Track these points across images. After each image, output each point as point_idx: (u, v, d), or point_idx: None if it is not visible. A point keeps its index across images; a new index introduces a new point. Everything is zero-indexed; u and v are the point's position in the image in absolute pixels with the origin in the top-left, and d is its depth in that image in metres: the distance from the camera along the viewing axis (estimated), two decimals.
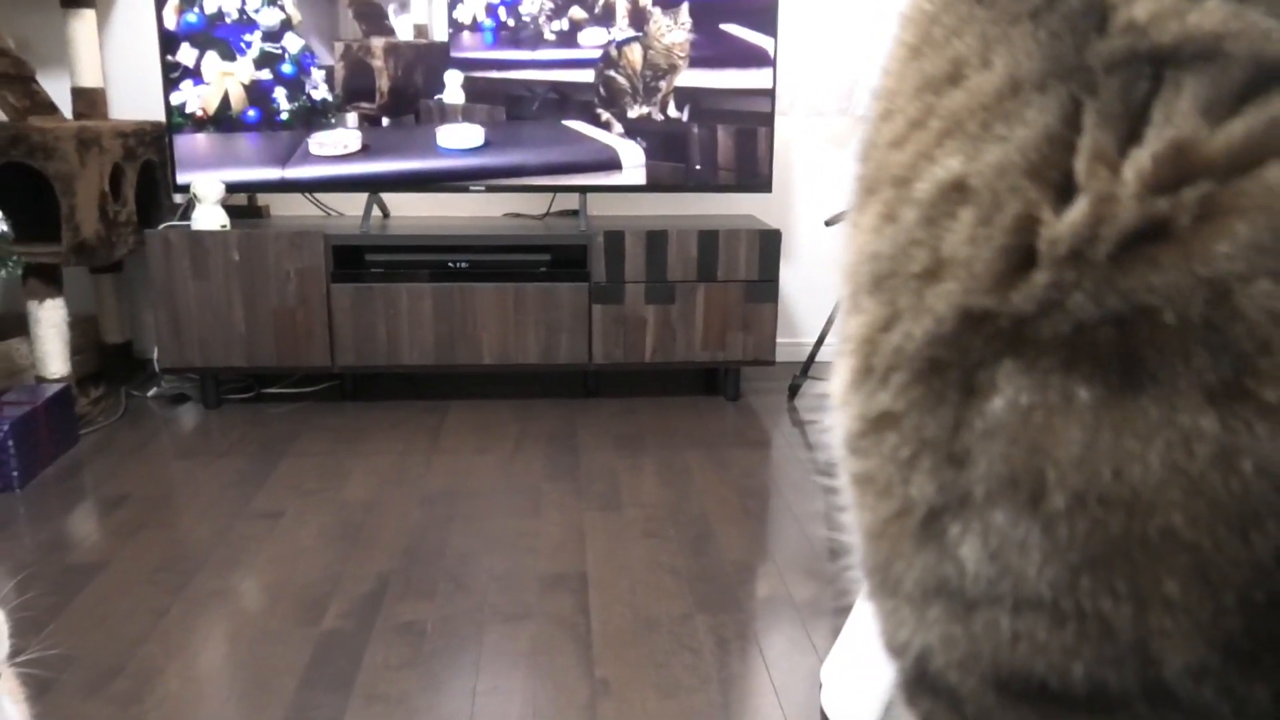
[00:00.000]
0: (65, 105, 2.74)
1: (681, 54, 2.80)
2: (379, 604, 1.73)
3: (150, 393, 2.85)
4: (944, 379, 0.37)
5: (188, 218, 2.71)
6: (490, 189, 2.85)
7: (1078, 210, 0.34)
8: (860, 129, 0.45)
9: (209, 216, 2.66)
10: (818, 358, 2.92)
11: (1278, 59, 0.34)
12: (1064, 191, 0.35)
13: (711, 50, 2.80)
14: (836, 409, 0.43)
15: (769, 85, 2.82)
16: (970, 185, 0.37)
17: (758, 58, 2.81)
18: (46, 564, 1.86)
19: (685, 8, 2.77)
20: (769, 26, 2.79)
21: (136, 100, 2.89)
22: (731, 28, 2.80)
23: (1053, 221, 0.35)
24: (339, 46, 2.73)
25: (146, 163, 2.75)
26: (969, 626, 0.38)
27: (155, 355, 2.75)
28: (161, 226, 2.69)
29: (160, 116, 2.77)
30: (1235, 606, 0.33)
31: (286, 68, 2.72)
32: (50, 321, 2.52)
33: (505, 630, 1.66)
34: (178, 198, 2.82)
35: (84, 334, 2.76)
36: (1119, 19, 0.36)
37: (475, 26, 2.75)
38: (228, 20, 2.67)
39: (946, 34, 0.40)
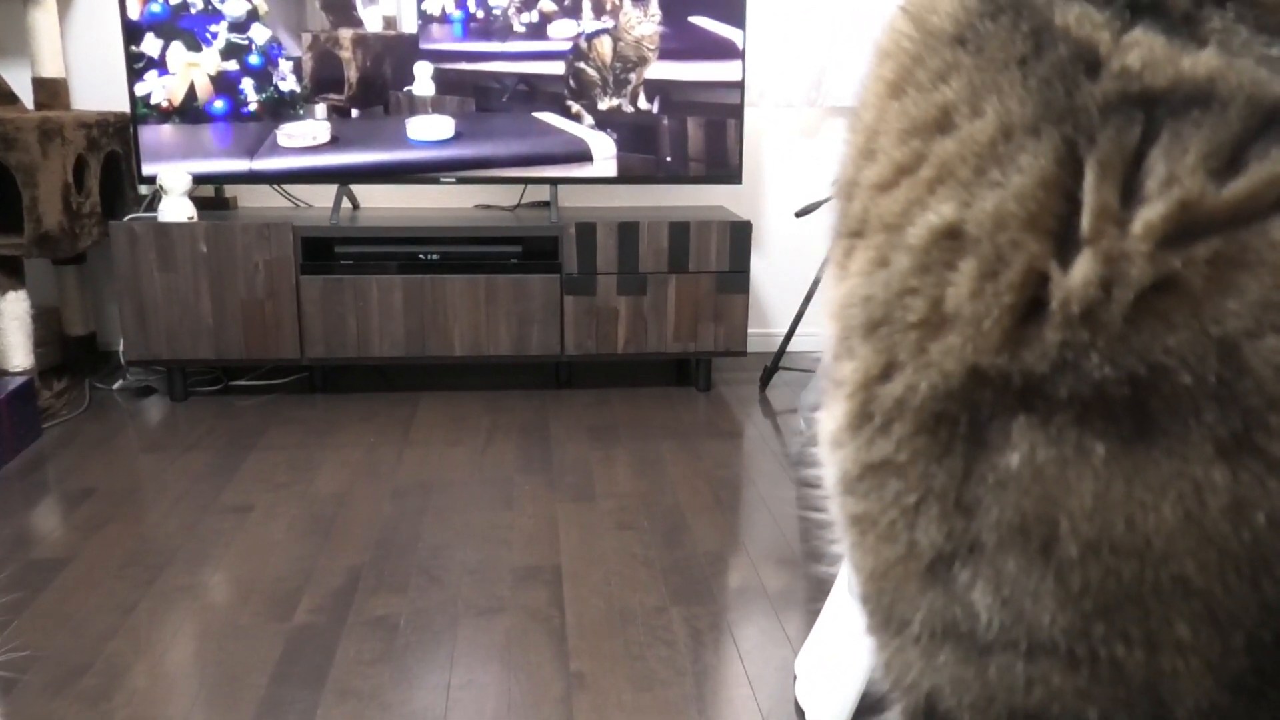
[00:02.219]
0: (26, 95, 2.70)
1: (651, 46, 2.80)
2: (351, 598, 1.73)
3: (116, 385, 2.81)
4: (951, 431, 0.38)
5: (154, 209, 2.68)
6: (461, 180, 2.84)
7: (1088, 268, 0.35)
8: (838, 164, 0.46)
9: (175, 208, 2.63)
10: (788, 348, 2.93)
11: (1274, 105, 0.34)
12: (1066, 243, 0.36)
13: (681, 42, 2.80)
14: (829, 450, 0.43)
15: (738, 77, 2.83)
16: (967, 233, 0.37)
17: (727, 50, 2.81)
18: (10, 560, 1.84)
19: (655, 0, 2.76)
20: (737, 18, 2.79)
21: (100, 91, 2.85)
22: (700, 20, 2.80)
23: (1061, 278, 0.35)
24: (306, 37, 2.70)
25: (111, 154, 2.71)
26: (982, 671, 0.38)
27: (121, 347, 2.71)
28: (127, 218, 2.65)
29: (125, 107, 2.73)
30: (1244, 647, 0.34)
31: (253, 59, 2.69)
32: (12, 314, 2.48)
33: (479, 624, 1.66)
34: (143, 189, 2.79)
35: (46, 326, 2.72)
36: (1112, 65, 0.37)
37: (444, 18, 2.73)
38: (193, 10, 2.64)
39: (933, 78, 0.41)
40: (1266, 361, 0.32)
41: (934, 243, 0.38)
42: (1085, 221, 0.35)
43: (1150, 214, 0.34)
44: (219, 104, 2.71)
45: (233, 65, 2.69)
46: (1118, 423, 0.34)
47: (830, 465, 0.44)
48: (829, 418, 0.44)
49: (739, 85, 2.83)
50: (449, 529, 2.00)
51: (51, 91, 2.69)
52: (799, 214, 2.85)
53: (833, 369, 0.44)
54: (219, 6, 2.65)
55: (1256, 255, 0.33)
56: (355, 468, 2.30)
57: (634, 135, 2.85)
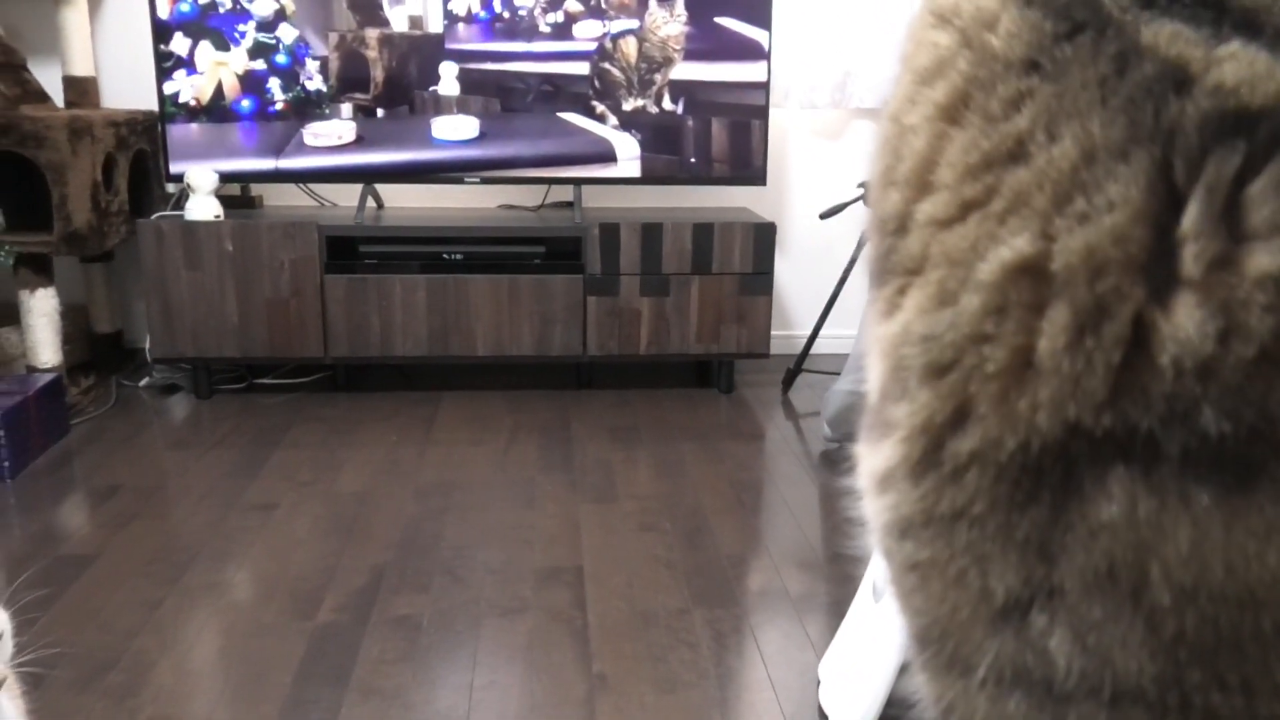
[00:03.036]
0: (57, 94, 2.72)
1: (677, 47, 2.79)
2: (374, 597, 1.73)
3: (142, 382, 2.83)
4: (1038, 480, 0.36)
5: (181, 207, 2.69)
6: (485, 181, 2.84)
7: (1203, 317, 0.33)
8: (883, 197, 0.44)
9: (202, 206, 2.64)
10: (811, 351, 2.92)
11: None
12: (1166, 283, 0.34)
13: (706, 43, 2.79)
14: (876, 490, 0.42)
15: (763, 78, 2.82)
16: (1053, 273, 0.36)
17: (752, 51, 2.80)
18: (39, 555, 1.85)
19: (681, 1, 2.76)
20: (763, 19, 2.78)
21: (129, 89, 2.87)
22: (726, 21, 2.79)
23: (1169, 328, 0.34)
24: (333, 37, 2.71)
25: (139, 152, 2.73)
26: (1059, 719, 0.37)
27: (147, 345, 2.73)
28: (154, 216, 2.67)
29: (153, 105, 2.75)
30: None
31: (280, 58, 2.70)
32: (41, 311, 2.50)
33: (502, 624, 1.66)
34: (171, 187, 2.81)
35: (74, 323, 2.74)
36: (1206, 81, 0.35)
37: (470, 18, 2.73)
38: (221, 10, 2.65)
39: (1004, 107, 0.39)
40: None
41: (1010, 280, 0.37)
42: (1189, 260, 0.34)
43: (1266, 259, 0.33)
44: (246, 103, 2.72)
45: (260, 64, 2.70)
46: (1223, 471, 0.33)
47: (879, 507, 0.42)
48: (875, 456, 0.42)
49: (764, 86, 2.82)
50: (471, 529, 2.00)
51: (81, 90, 2.71)
52: (823, 216, 2.84)
53: (881, 408, 0.42)
54: (247, 6, 2.66)
55: None
56: (378, 467, 2.31)
57: (658, 136, 2.84)
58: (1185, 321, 0.33)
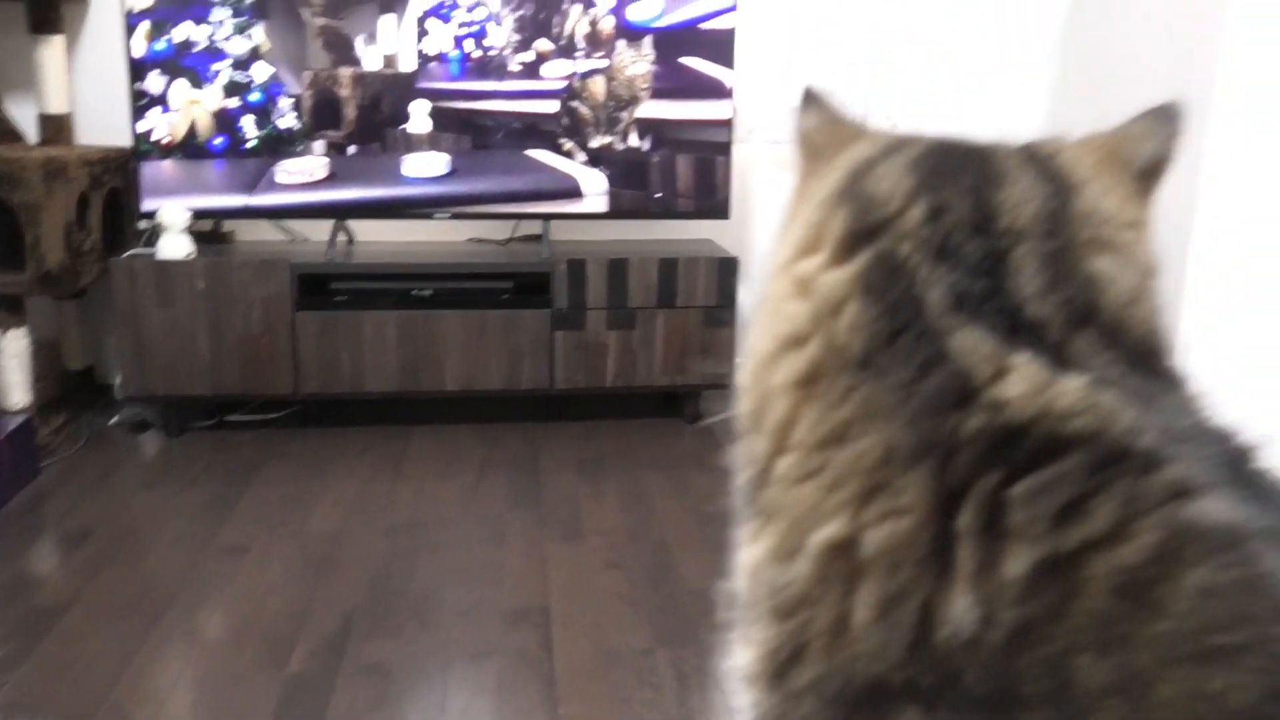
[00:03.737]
0: (32, 129, 2.74)
1: (644, 85, 2.85)
2: (345, 643, 1.77)
3: (112, 420, 2.85)
4: (856, 711, 0.46)
5: (153, 245, 2.72)
6: (455, 216, 2.89)
7: (969, 606, 0.43)
8: (753, 438, 0.54)
9: (174, 244, 2.67)
10: None
11: (1121, 439, 0.42)
12: (949, 577, 0.43)
13: (672, 82, 2.86)
14: (745, 682, 0.51)
15: (727, 116, 2.89)
16: (862, 556, 0.46)
17: (716, 89, 2.87)
18: (11, 606, 1.88)
19: (648, 41, 2.82)
20: (727, 59, 2.85)
21: (103, 126, 2.89)
22: (691, 61, 2.86)
23: (945, 613, 0.43)
24: (307, 75, 2.75)
25: (113, 190, 2.76)
26: None
27: (118, 383, 2.76)
28: (127, 254, 2.70)
29: (127, 142, 2.78)
30: None
31: (254, 96, 2.74)
32: (12, 352, 2.52)
33: (470, 668, 1.71)
34: (143, 224, 2.83)
35: (45, 360, 2.76)
36: (986, 396, 0.45)
37: (442, 58, 2.78)
38: (196, 49, 2.69)
39: (839, 396, 0.49)
40: (1087, 673, 0.40)
41: (830, 556, 0.47)
42: (963, 559, 0.43)
43: (1015, 564, 0.42)
44: (219, 140, 2.76)
45: (234, 102, 2.74)
46: (984, 712, 0.42)
47: (746, 699, 0.52)
48: (743, 653, 0.52)
49: (728, 124, 2.89)
50: (441, 569, 2.05)
51: (57, 127, 2.74)
52: None
53: (744, 617, 0.52)
54: (222, 45, 2.70)
55: (1084, 588, 0.40)
56: (349, 505, 2.35)
57: (625, 172, 2.90)
58: (957, 609, 0.43)
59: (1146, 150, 0.59)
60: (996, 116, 2.25)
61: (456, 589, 1.97)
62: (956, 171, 0.54)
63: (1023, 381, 0.44)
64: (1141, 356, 0.50)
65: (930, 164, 0.55)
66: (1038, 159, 0.56)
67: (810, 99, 0.66)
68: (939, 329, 0.48)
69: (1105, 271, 0.51)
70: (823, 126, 0.64)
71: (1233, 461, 0.44)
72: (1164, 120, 0.60)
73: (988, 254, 0.50)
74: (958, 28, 2.45)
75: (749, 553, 0.52)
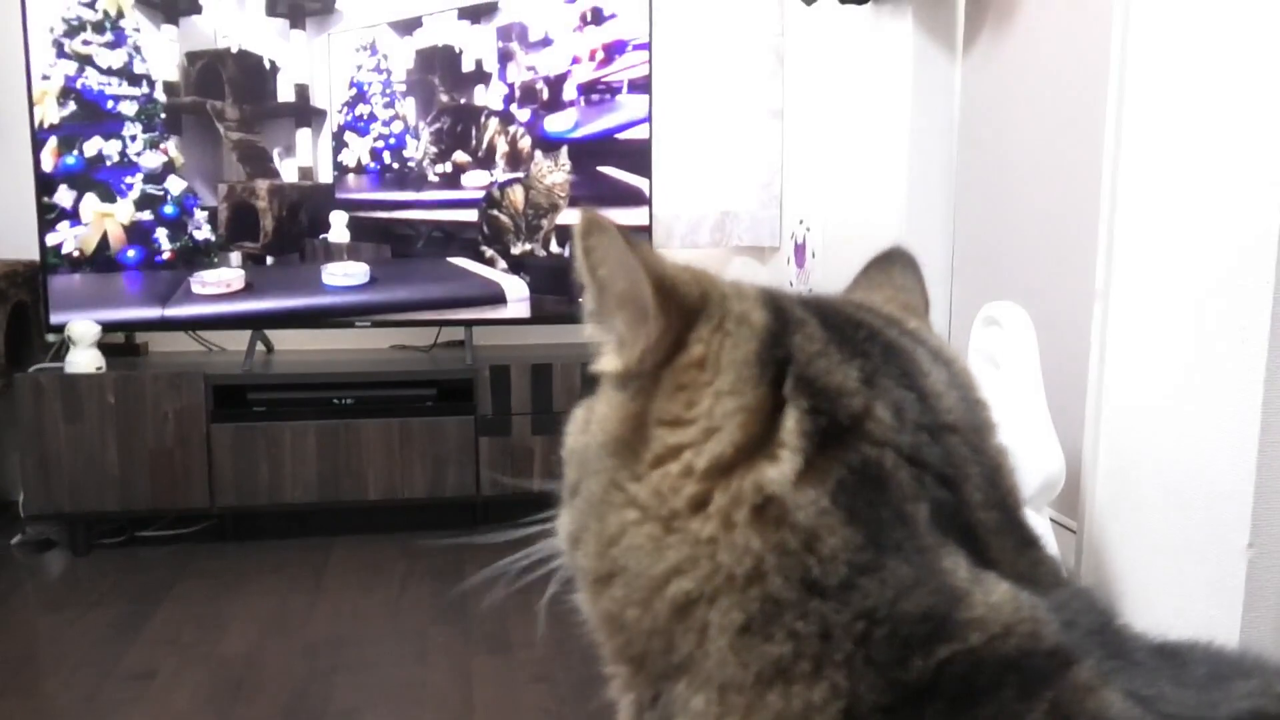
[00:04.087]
0: None
1: (562, 194, 2.91)
2: None
3: (14, 540, 2.73)
4: None
5: (61, 359, 2.65)
6: (376, 324, 2.88)
7: None
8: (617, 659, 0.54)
9: (84, 358, 2.61)
10: None
11: (1042, 654, 0.43)
12: None
13: (590, 190, 2.92)
14: None
15: (645, 222, 2.95)
16: None
17: (634, 197, 2.94)
18: None
19: (564, 151, 2.89)
20: (644, 168, 2.93)
21: (10, 239, 2.84)
22: (609, 170, 2.93)
23: None
24: (222, 188, 2.75)
25: (18, 304, 2.70)
26: None
27: (20, 501, 2.65)
28: (32, 369, 2.62)
29: (34, 255, 2.73)
30: None
31: (168, 208, 2.72)
32: None
33: None
34: (51, 338, 2.76)
35: None
36: (960, 620, 0.44)
37: (361, 169, 2.81)
38: (108, 163, 2.67)
39: (780, 630, 0.46)
40: None
41: None
42: None
43: None
44: (132, 253, 2.72)
45: (147, 215, 2.72)
46: None
47: None
48: None
49: (647, 229, 2.95)
50: (361, 690, 1.98)
51: None
52: None
53: None
54: (135, 159, 2.69)
55: None
56: (265, 622, 2.26)
57: (546, 277, 2.93)
58: None
59: (921, 301, 0.62)
60: (902, 207, 2.34)
61: (378, 709, 1.90)
62: (877, 355, 0.50)
63: (989, 604, 0.44)
64: (1021, 527, 0.50)
65: (850, 342, 0.51)
66: (911, 334, 0.55)
67: (597, 226, 0.52)
68: (928, 550, 0.45)
69: (1001, 451, 0.52)
70: (682, 268, 0.54)
71: (1102, 626, 0.46)
72: (916, 271, 0.65)
73: (944, 460, 0.48)
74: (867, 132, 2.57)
75: None
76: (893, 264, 0.66)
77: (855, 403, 0.48)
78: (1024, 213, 2.08)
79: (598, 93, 2.87)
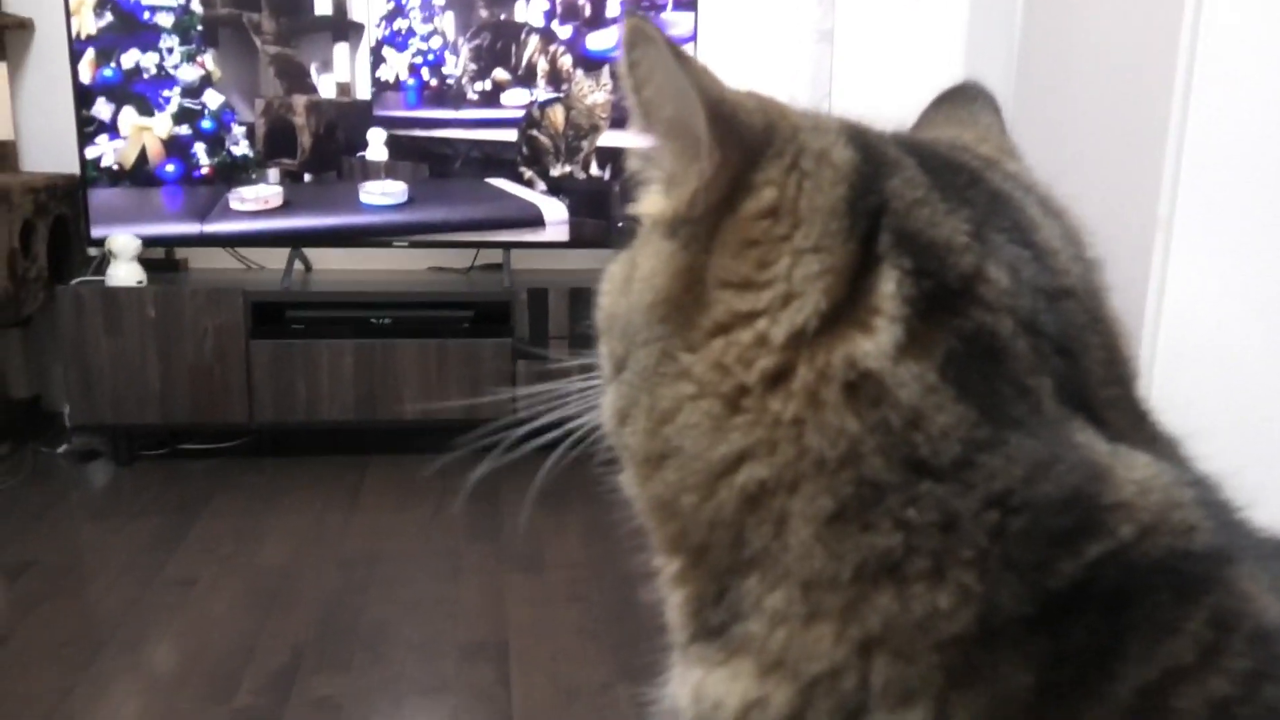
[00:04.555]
0: None
1: (603, 114, 2.85)
2: (293, 677, 1.71)
3: (60, 449, 2.77)
4: None
5: (102, 272, 2.66)
6: (413, 244, 2.86)
7: None
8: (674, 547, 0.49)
9: (124, 272, 2.62)
10: None
11: (1198, 555, 0.39)
12: None
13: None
14: None
15: None
16: None
17: None
18: None
19: (607, 70, 2.82)
20: None
21: (50, 153, 2.84)
22: None
23: None
24: (260, 103, 2.72)
25: (59, 217, 2.70)
26: None
27: (66, 412, 2.68)
28: (74, 282, 2.64)
29: (75, 169, 2.72)
30: None
31: (206, 123, 2.70)
32: None
33: (423, 704, 1.66)
34: (92, 252, 2.77)
35: None
36: (1109, 502, 0.40)
37: (398, 85, 2.76)
38: (146, 76, 2.65)
39: (881, 519, 0.42)
40: None
41: None
42: None
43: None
44: (170, 167, 2.71)
45: (185, 129, 2.70)
46: None
47: None
48: None
49: None
50: (394, 603, 2.00)
51: (0, 154, 2.68)
52: None
53: None
54: (172, 72, 2.66)
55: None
56: (302, 536, 2.29)
57: (586, 200, 2.89)
58: None
59: (1012, 142, 0.54)
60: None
61: (411, 623, 1.92)
62: (983, 205, 0.43)
63: (1136, 482, 0.39)
64: (1138, 402, 0.45)
65: (953, 188, 0.44)
66: (1015, 179, 0.48)
67: (668, 42, 0.45)
68: (1057, 424, 0.40)
69: (1117, 318, 0.45)
70: (743, 93, 0.46)
71: (1233, 518, 0.41)
72: (999, 113, 0.56)
73: (1062, 328, 0.42)
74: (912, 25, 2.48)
75: (708, 682, 0.44)
76: (972, 100, 0.57)
77: (966, 261, 0.41)
78: (1084, 139, 2.01)
79: (642, 8, 2.79)
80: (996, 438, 0.39)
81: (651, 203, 0.48)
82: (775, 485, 0.41)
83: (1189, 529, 0.38)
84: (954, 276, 0.41)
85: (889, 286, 0.41)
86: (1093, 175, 1.98)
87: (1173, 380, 1.43)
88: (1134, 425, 0.43)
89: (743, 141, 0.44)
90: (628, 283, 0.49)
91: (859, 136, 0.46)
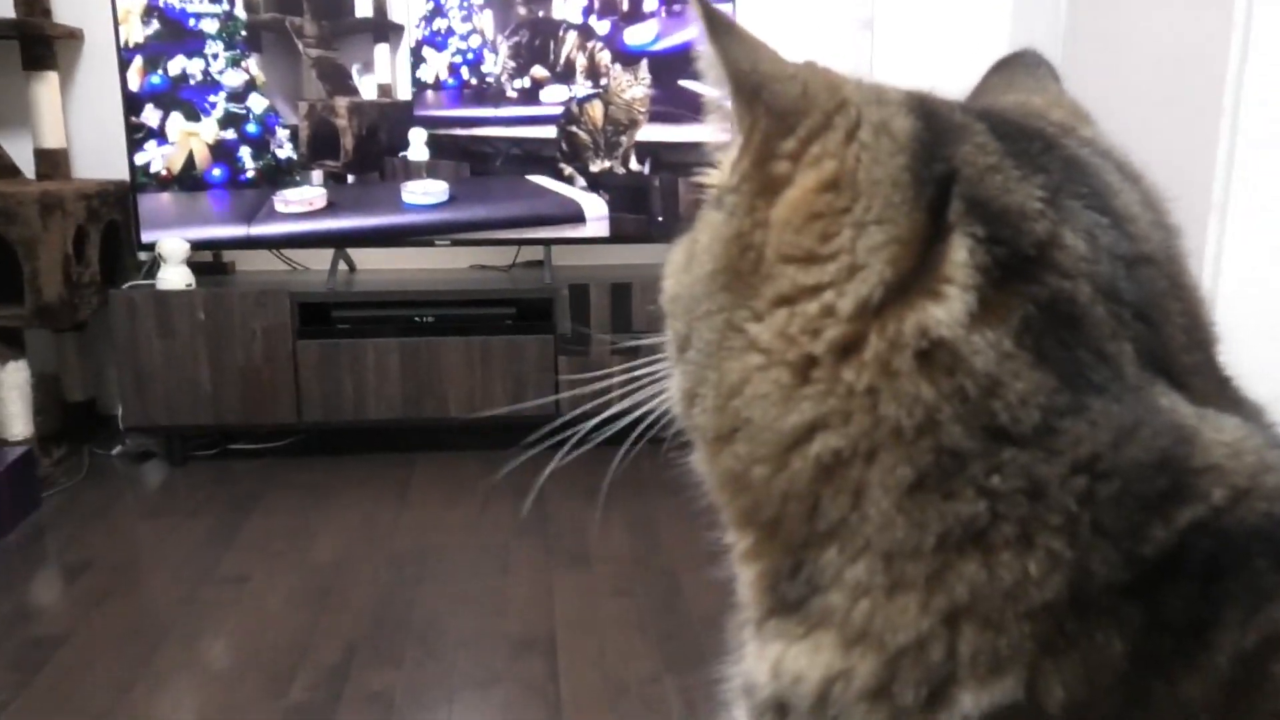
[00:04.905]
0: (27, 165, 2.74)
1: (642, 109, 2.85)
2: (347, 672, 1.74)
3: (115, 451, 2.83)
4: None
5: (152, 276, 2.71)
6: (455, 243, 2.88)
7: None
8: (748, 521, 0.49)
9: (174, 275, 2.66)
10: None
11: None
12: None
13: (671, 105, 2.85)
14: None
15: None
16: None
17: None
18: (9, 637, 1.85)
19: (644, 64, 2.82)
20: None
21: (100, 160, 2.90)
22: (689, 83, 2.85)
23: None
24: (303, 106, 2.75)
25: (110, 223, 2.75)
26: None
27: (120, 414, 2.74)
28: (126, 286, 2.69)
29: (124, 175, 2.77)
30: None
31: (251, 127, 2.74)
32: (12, 384, 2.51)
33: (475, 698, 1.67)
34: (142, 256, 2.83)
35: (46, 392, 2.74)
36: (1198, 465, 0.39)
37: (438, 85, 2.78)
38: (192, 82, 2.69)
39: (963, 488, 0.41)
40: None
41: None
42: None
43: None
44: (217, 172, 2.75)
45: (230, 134, 2.74)
46: None
47: None
48: None
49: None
50: (445, 598, 2.02)
51: (53, 162, 2.74)
52: None
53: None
54: (218, 78, 2.70)
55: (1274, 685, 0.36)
56: (352, 533, 2.32)
57: (626, 196, 2.89)
58: None
59: (1085, 107, 0.53)
60: None
61: (461, 618, 1.94)
62: (1058, 171, 0.43)
63: (1225, 444, 0.38)
64: (1219, 368, 0.44)
65: (1026, 154, 0.43)
66: (1091, 144, 0.47)
67: (719, 16, 0.47)
68: (1140, 389, 0.39)
69: (1197, 285, 0.45)
70: (790, 65, 0.47)
71: None
72: (1054, 75, 0.55)
73: (1142, 295, 0.41)
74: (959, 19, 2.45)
75: (788, 656, 0.44)
76: (1035, 67, 0.56)
77: (1040, 228, 0.41)
78: (1133, 125, 1.97)
79: (680, 2, 2.79)
80: (1078, 403, 0.39)
81: (710, 177, 0.50)
82: (851, 455, 0.41)
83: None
84: (1028, 243, 0.41)
85: (960, 255, 0.41)
86: (1144, 164, 1.94)
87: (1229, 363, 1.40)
88: (1218, 391, 0.43)
89: (771, 110, 0.44)
90: (690, 261, 0.50)
91: (923, 105, 0.46)
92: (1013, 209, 0.41)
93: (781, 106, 0.44)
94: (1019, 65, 0.57)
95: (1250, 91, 1.35)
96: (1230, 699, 0.35)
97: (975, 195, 0.41)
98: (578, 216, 2.89)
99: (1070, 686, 0.36)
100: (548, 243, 2.91)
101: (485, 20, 2.77)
